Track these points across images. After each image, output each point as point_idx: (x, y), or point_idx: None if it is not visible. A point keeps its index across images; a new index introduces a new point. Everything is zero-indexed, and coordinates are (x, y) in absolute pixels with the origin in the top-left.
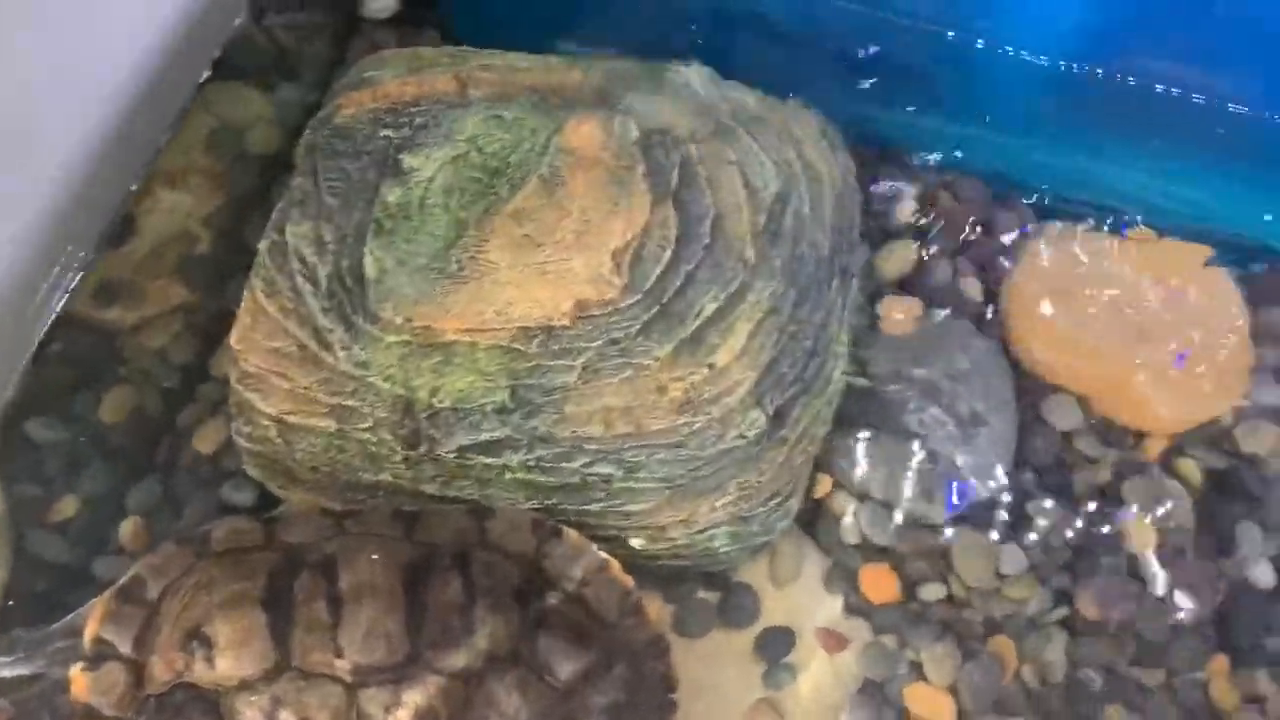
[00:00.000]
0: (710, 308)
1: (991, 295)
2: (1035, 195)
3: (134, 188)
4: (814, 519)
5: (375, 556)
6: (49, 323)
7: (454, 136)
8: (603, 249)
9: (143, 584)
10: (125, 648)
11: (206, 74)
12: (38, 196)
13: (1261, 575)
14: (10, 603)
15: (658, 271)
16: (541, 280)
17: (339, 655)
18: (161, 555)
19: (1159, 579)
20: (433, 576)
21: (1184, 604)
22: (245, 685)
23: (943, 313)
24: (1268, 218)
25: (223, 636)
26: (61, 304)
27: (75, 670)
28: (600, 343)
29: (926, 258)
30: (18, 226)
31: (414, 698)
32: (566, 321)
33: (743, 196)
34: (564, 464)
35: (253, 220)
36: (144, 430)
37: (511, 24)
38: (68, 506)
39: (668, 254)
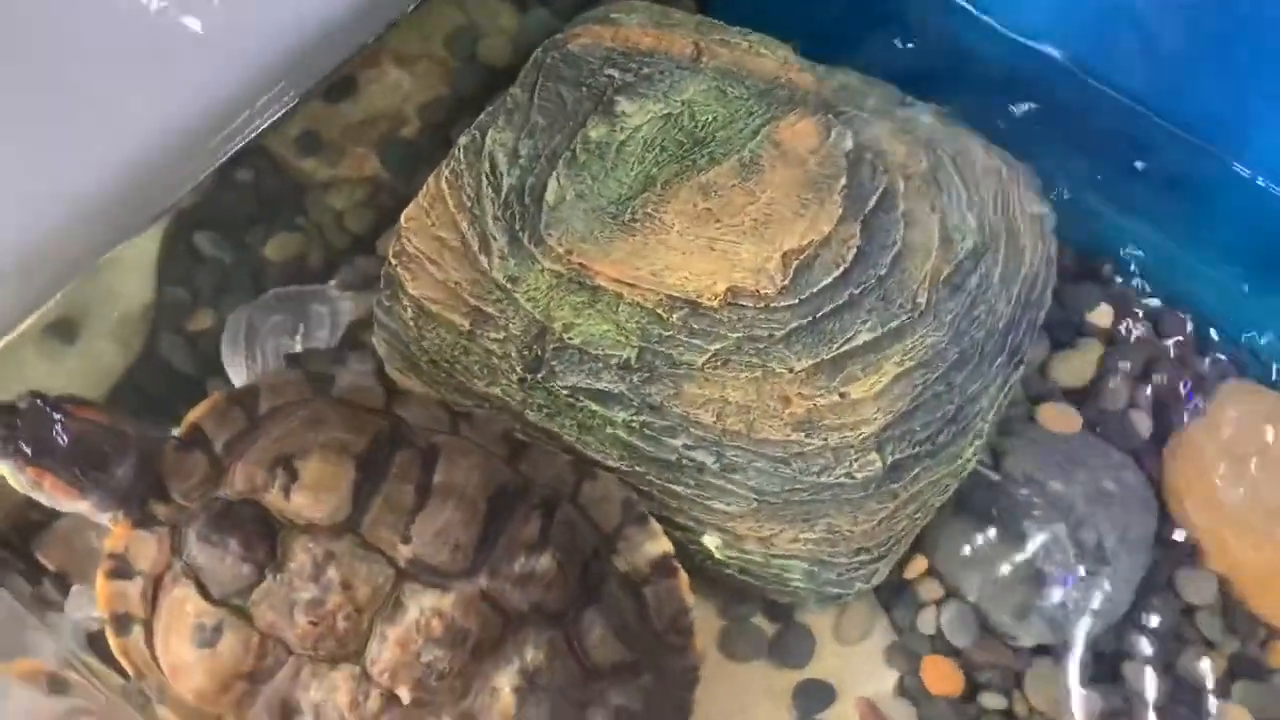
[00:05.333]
0: (863, 338)
1: (1161, 437)
2: (1239, 348)
3: (366, 43)
4: (896, 595)
5: (473, 467)
6: (239, 148)
7: (673, 95)
8: (776, 244)
9: (255, 397)
10: (217, 446)
11: None
12: (267, 21)
13: None
14: (126, 390)
15: (823, 283)
16: (706, 255)
17: (404, 541)
18: (282, 378)
19: None
20: (517, 509)
21: None
22: (309, 529)
23: (1102, 436)
24: None
25: (309, 475)
26: (257, 135)
27: (169, 444)
28: (740, 335)
29: (1105, 375)
30: (239, 44)
31: (453, 610)
32: (715, 304)
33: (935, 241)
34: (665, 438)
35: (461, 121)
36: (298, 279)
37: (768, 25)
38: (205, 319)
39: (839, 271)
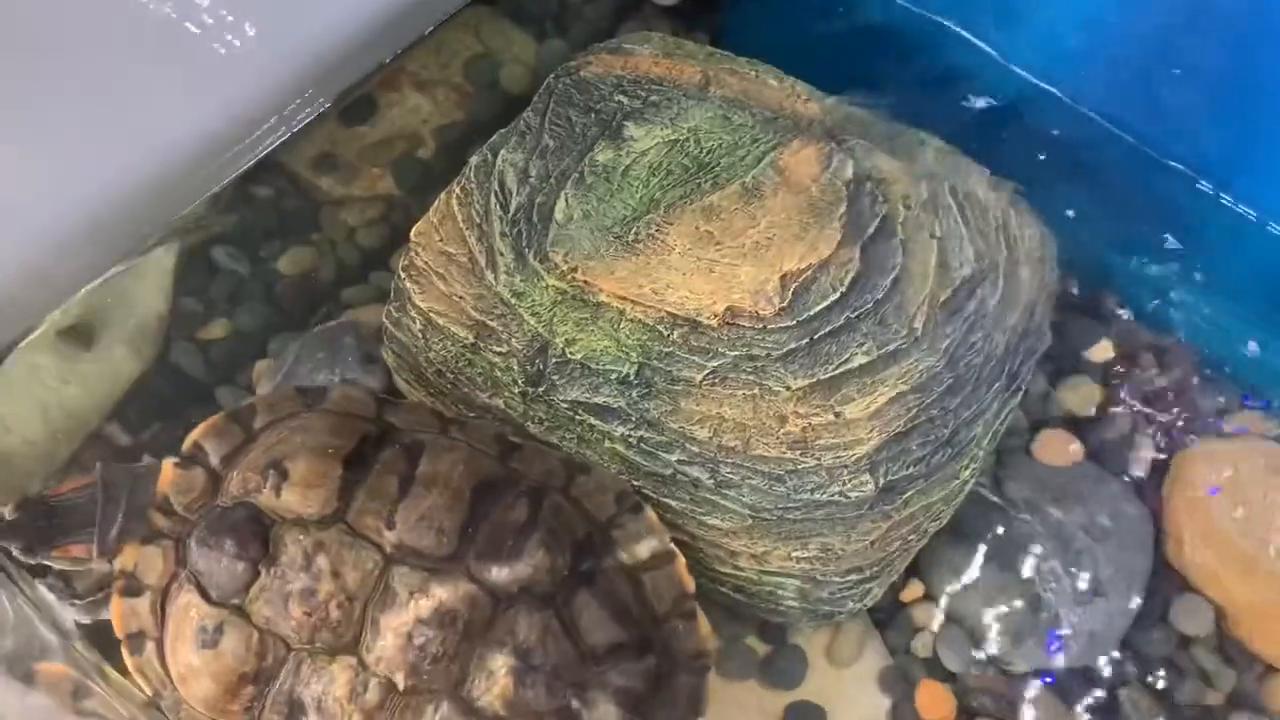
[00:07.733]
0: (859, 360)
1: (1161, 470)
2: (1245, 386)
3: (384, 61)
4: (891, 618)
5: (459, 460)
6: (258, 161)
7: (679, 122)
8: (775, 267)
9: (253, 413)
10: (214, 460)
11: None
12: (289, 33)
13: None
14: (137, 396)
15: (820, 307)
16: (706, 276)
17: (389, 527)
18: (277, 395)
19: None
20: (503, 495)
21: None
22: (299, 523)
23: (1103, 466)
24: None
25: (298, 473)
26: (275, 149)
27: (168, 462)
28: (737, 354)
29: (1108, 407)
30: (261, 55)
31: (441, 593)
32: (714, 322)
33: (932, 267)
34: (661, 453)
35: (476, 145)
36: (310, 292)
37: (781, 58)
38: (218, 330)
39: (836, 294)
